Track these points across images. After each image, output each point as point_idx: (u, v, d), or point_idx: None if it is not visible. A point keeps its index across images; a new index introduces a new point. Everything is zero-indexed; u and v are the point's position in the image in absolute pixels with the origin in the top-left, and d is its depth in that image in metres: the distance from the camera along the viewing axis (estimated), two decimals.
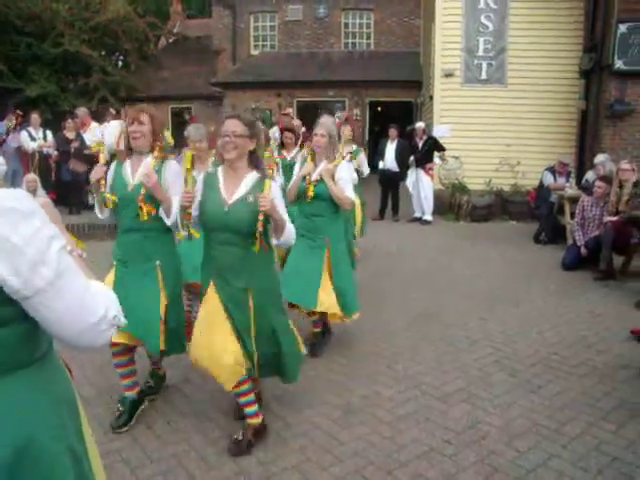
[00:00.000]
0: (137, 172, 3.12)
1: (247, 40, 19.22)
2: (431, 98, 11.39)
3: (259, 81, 17.09)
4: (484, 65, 10.58)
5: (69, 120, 9.29)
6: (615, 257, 6.34)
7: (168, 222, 3.09)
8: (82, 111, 9.79)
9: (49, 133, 9.45)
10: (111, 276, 3.13)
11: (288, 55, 18.52)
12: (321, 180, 3.86)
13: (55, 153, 9.25)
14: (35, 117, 9.38)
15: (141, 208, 3.04)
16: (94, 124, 9.69)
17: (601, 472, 2.69)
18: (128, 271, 3.10)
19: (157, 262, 3.11)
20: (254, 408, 2.99)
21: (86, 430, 1.37)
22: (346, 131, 6.82)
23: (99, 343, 1.22)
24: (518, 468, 2.73)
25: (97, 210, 3.28)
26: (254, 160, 2.85)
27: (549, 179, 8.40)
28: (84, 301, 1.17)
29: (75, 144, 9.03)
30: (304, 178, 3.89)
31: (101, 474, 1.40)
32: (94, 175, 3.11)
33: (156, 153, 3.11)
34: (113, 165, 3.25)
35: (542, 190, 8.52)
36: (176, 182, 3.11)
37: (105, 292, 1.25)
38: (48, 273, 1.10)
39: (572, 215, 7.43)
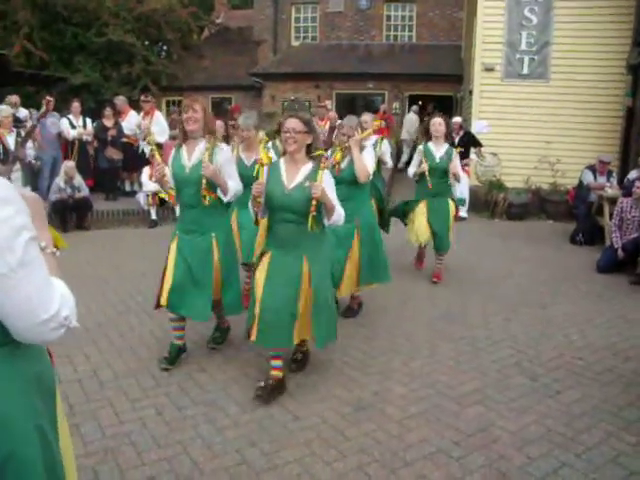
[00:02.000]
0: (193, 156, 3.58)
1: (288, 31, 19.20)
2: (471, 93, 11.14)
3: (299, 72, 17.08)
4: (526, 60, 10.26)
5: (108, 108, 9.44)
6: None
7: (225, 199, 3.64)
8: (121, 100, 9.94)
9: (89, 121, 9.65)
10: (174, 245, 3.64)
11: (329, 47, 18.40)
12: (349, 165, 4.41)
13: (93, 140, 9.44)
14: (76, 105, 9.57)
15: (204, 196, 3.53)
16: (132, 112, 9.83)
17: None
18: (188, 242, 3.59)
19: (213, 234, 3.61)
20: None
21: (60, 419, 1.37)
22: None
23: (46, 340, 1.22)
24: (527, 475, 2.65)
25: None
26: (311, 152, 3.33)
27: (589, 178, 8.11)
28: (41, 296, 1.18)
29: (112, 132, 9.19)
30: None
31: (71, 469, 1.40)
32: (157, 176, 3.57)
33: (209, 139, 3.56)
34: (173, 151, 3.73)
35: (581, 189, 8.24)
36: (228, 164, 3.66)
37: (63, 292, 1.26)
38: (12, 260, 1.13)
39: (611, 216, 7.15)
